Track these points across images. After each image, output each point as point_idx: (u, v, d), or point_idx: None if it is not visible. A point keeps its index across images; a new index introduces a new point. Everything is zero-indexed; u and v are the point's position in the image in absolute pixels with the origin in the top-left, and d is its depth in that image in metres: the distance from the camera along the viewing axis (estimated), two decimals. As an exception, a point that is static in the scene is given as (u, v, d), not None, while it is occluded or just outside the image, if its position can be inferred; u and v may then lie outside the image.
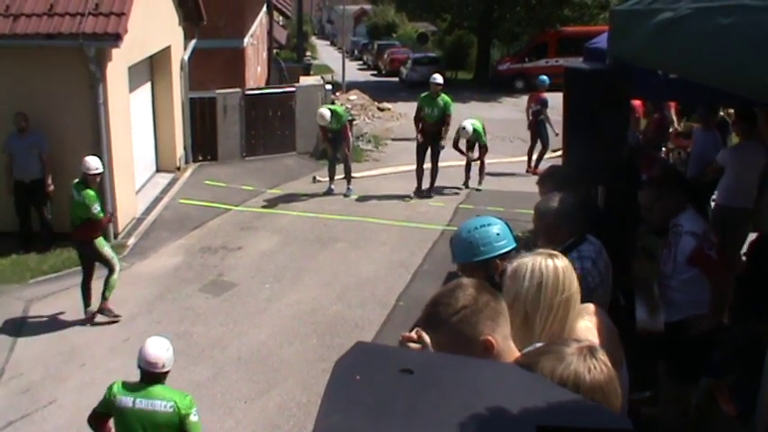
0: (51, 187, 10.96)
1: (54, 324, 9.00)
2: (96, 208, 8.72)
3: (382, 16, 63.46)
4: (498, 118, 24.29)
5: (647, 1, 4.16)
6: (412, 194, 14.61)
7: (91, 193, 8.72)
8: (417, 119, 14.46)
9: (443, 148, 14.30)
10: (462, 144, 14.80)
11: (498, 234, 3.60)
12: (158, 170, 15.52)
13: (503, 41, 41.41)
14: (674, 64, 3.67)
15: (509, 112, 27.45)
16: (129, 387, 5.14)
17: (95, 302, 9.03)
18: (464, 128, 14.44)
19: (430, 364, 1.85)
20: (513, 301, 2.79)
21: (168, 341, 5.30)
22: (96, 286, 9.05)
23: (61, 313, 9.25)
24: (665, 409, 5.32)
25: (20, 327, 8.91)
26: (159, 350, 5.16)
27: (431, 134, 14.21)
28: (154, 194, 14.11)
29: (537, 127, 16.61)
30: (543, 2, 34.23)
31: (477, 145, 14.85)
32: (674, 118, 12.46)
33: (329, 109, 14.34)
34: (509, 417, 1.57)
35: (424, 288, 9.96)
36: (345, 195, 14.52)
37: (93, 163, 8.79)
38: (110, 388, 5.16)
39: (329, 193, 14.69)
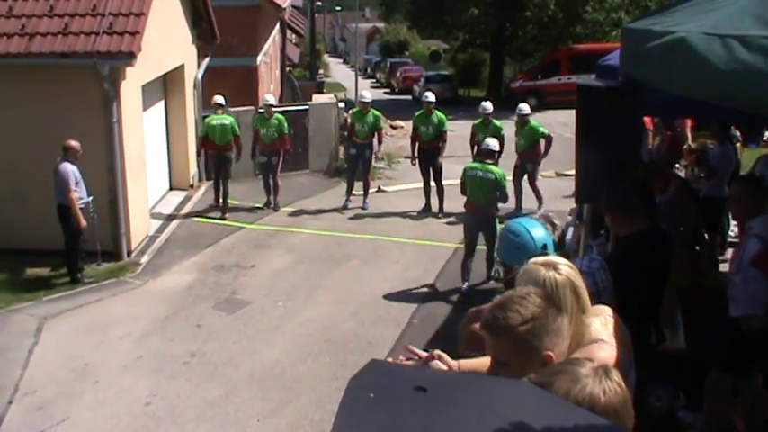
0: None
1: (67, 341, 9.02)
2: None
3: (395, 34, 63.79)
4: (511, 135, 24.22)
5: (658, 21, 4.16)
6: (419, 211, 14.60)
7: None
8: (414, 138, 14.53)
9: (441, 165, 14.24)
10: None
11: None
12: (171, 188, 15.61)
13: (515, 59, 41.51)
14: (682, 85, 3.66)
15: (522, 129, 27.36)
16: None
17: None
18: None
19: (444, 382, 1.84)
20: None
21: None
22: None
23: (74, 330, 9.28)
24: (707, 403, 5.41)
25: (33, 344, 8.92)
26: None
27: (428, 152, 14.22)
28: (167, 212, 14.18)
29: None
30: (556, 19, 34.27)
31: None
32: (689, 134, 12.41)
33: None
34: (524, 436, 1.56)
35: (437, 306, 9.96)
36: (363, 209, 14.61)
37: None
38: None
39: (345, 207, 14.77)
